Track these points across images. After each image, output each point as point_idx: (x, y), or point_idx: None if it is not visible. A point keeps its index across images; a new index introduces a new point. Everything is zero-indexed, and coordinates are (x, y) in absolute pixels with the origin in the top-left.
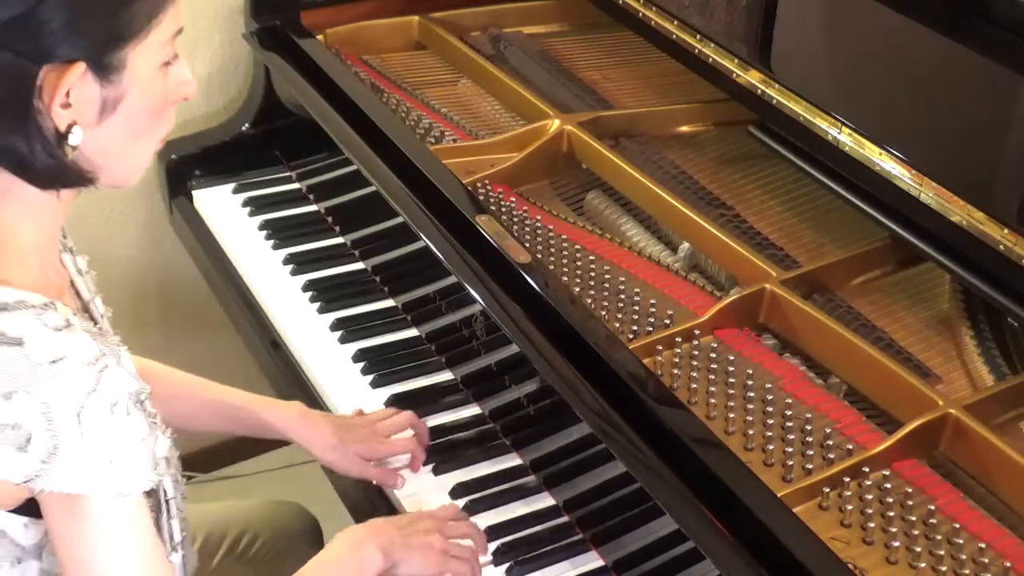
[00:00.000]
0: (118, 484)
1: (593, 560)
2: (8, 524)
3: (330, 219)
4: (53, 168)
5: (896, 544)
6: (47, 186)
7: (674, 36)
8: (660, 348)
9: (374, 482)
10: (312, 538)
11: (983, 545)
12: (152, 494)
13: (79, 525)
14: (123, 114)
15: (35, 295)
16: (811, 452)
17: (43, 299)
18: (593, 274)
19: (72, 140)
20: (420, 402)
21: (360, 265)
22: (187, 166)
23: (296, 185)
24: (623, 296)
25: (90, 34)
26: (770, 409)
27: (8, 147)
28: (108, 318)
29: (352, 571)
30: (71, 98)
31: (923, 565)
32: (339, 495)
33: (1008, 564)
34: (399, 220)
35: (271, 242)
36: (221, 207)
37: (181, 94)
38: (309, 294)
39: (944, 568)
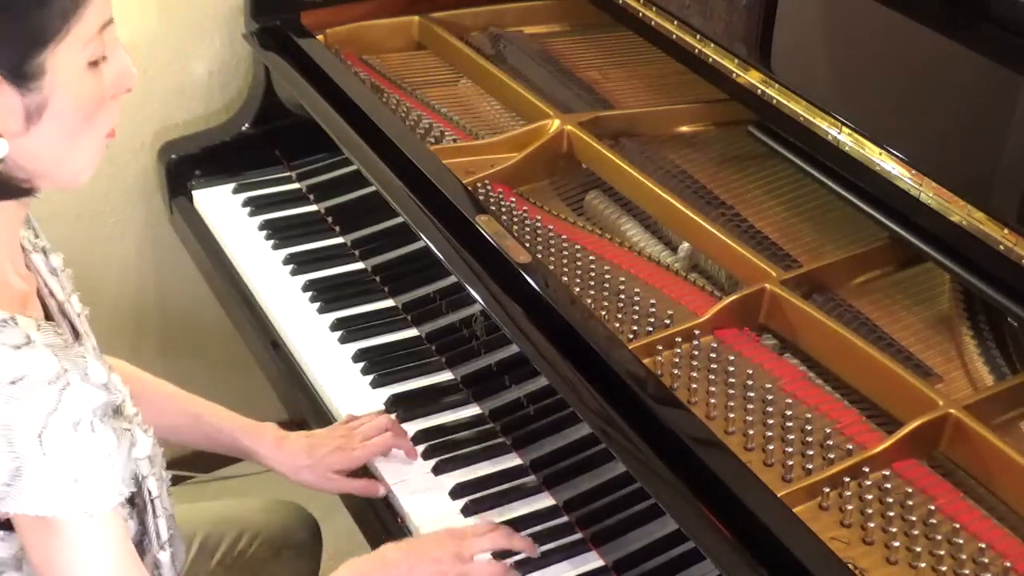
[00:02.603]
0: (84, 503)
1: (593, 560)
2: None
3: (330, 219)
4: None
5: (896, 544)
6: None
7: (674, 36)
8: (660, 348)
9: (357, 494)
10: (311, 538)
11: (983, 545)
12: (136, 496)
13: (50, 544)
14: (51, 120)
15: None
16: (811, 452)
17: (2, 314)
18: (593, 274)
19: None
20: (420, 402)
21: (360, 265)
22: (187, 166)
23: (296, 185)
24: (623, 296)
25: (1, 43)
26: (770, 409)
27: None
28: (86, 316)
29: None
30: None
31: (923, 565)
32: (339, 495)
33: (1008, 564)
34: (399, 220)
35: (271, 242)
36: (221, 207)
37: (122, 87)
38: (309, 294)
39: (944, 568)
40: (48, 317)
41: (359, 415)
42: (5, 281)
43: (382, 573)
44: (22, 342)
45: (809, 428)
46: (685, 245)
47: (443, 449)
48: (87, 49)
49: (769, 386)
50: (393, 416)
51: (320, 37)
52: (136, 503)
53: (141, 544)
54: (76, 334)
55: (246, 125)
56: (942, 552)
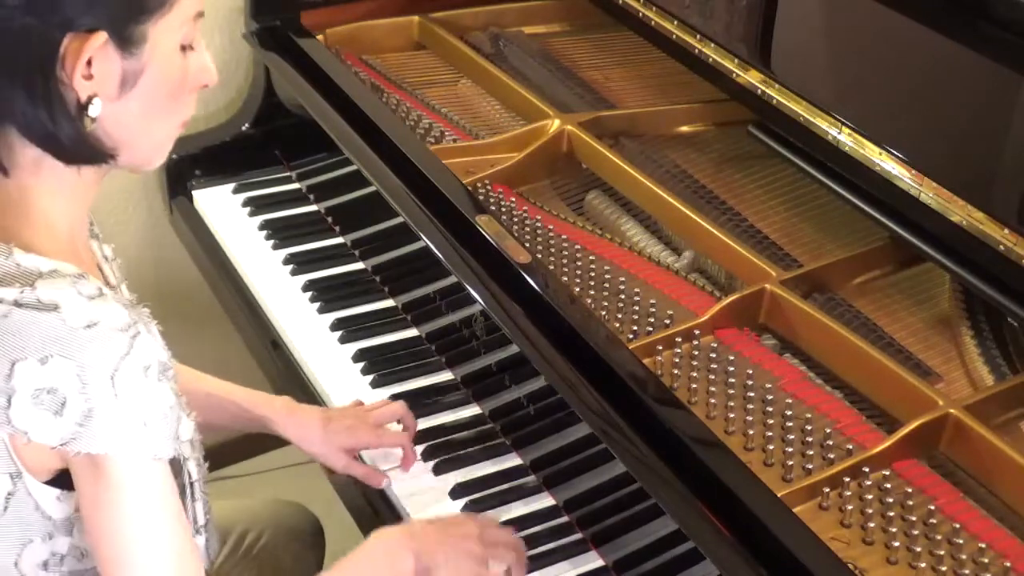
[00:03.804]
0: (152, 447)
1: (593, 560)
2: (41, 496)
3: (330, 219)
4: (75, 140)
5: (896, 544)
6: (70, 160)
7: (674, 36)
8: (660, 348)
9: (359, 479)
10: (313, 537)
11: (983, 545)
12: (177, 477)
13: (109, 491)
14: (142, 90)
15: (68, 265)
16: (811, 452)
17: (76, 269)
18: (593, 274)
19: (92, 112)
20: (420, 402)
21: (360, 265)
22: (187, 166)
23: (296, 185)
24: (623, 296)
25: (112, 5)
26: (770, 409)
27: (33, 118)
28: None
29: (383, 574)
30: (93, 69)
31: (923, 565)
32: (339, 495)
33: (1008, 564)
34: (399, 220)
35: (271, 242)
36: (221, 207)
37: (201, 81)
38: (309, 294)
39: (944, 568)
40: None
41: (368, 405)
42: (76, 249)
43: (410, 543)
44: (95, 294)
45: (809, 428)
46: (688, 253)
47: (443, 449)
48: (181, 31)
49: (769, 386)
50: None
51: (320, 37)
52: (176, 485)
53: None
54: None
55: (246, 125)
56: (942, 552)
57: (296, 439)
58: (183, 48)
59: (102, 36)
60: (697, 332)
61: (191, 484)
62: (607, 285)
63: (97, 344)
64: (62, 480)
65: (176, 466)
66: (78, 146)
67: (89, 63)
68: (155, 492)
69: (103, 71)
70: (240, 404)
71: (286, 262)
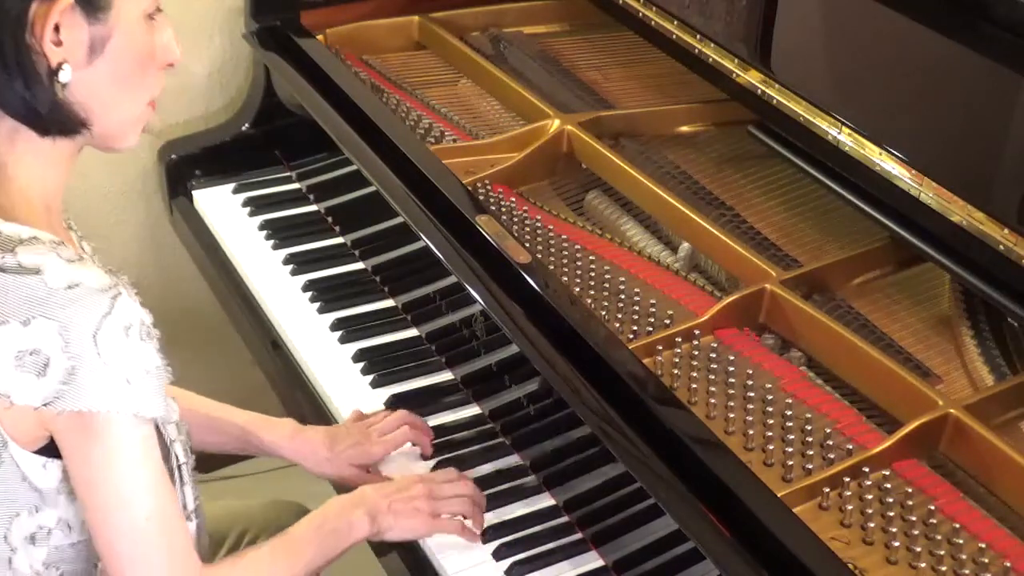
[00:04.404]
0: (135, 404)
1: (593, 560)
2: (28, 466)
3: (330, 219)
4: (49, 108)
5: (896, 544)
6: (45, 130)
7: (674, 36)
8: (660, 348)
9: None
10: None
11: (983, 545)
12: (166, 460)
13: (93, 448)
14: (111, 56)
15: (47, 233)
16: (811, 452)
17: (55, 237)
18: (593, 274)
19: (63, 77)
20: (420, 402)
21: (360, 265)
22: (187, 166)
23: (296, 185)
24: (623, 296)
25: None
26: (770, 409)
27: (7, 86)
28: None
29: (340, 534)
30: (61, 35)
31: (923, 565)
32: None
33: (1008, 564)
34: (399, 220)
35: (271, 242)
36: (221, 207)
37: (167, 58)
38: (309, 294)
39: (944, 568)
40: None
41: (368, 413)
42: (51, 223)
43: (362, 505)
44: (75, 258)
45: (809, 428)
46: (685, 245)
47: (443, 449)
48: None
49: (769, 386)
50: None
51: (320, 37)
52: (166, 469)
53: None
54: None
55: (246, 125)
56: (942, 552)
57: (301, 460)
58: (149, 17)
59: (68, 1)
60: (697, 332)
61: (179, 467)
62: (607, 285)
63: (79, 304)
64: (48, 451)
65: (164, 448)
66: (52, 114)
67: (57, 29)
68: (139, 450)
69: (71, 37)
70: (244, 428)
71: (286, 262)
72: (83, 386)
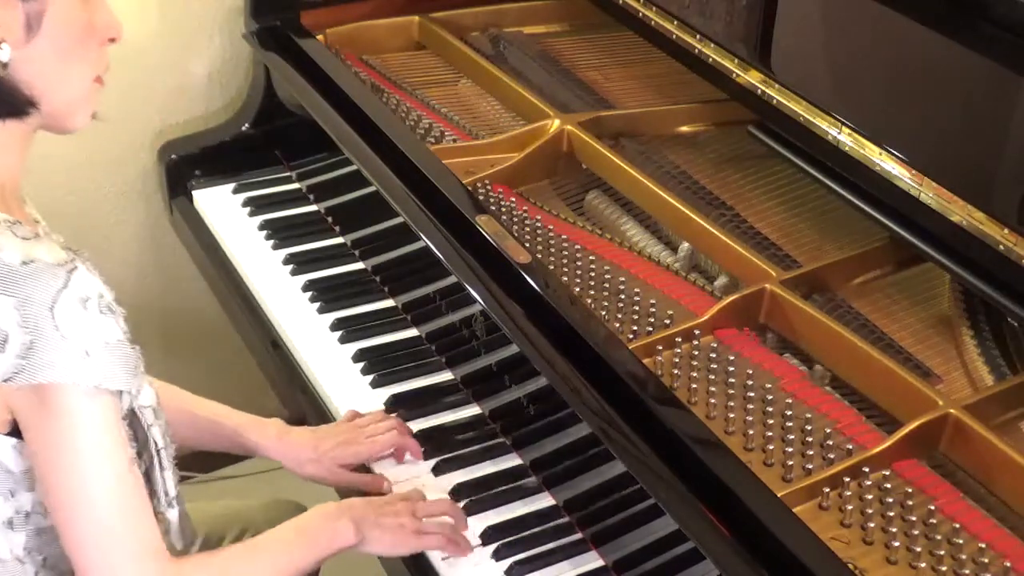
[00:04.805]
0: (95, 376)
1: (593, 560)
2: None
3: (330, 219)
4: None
5: (896, 544)
6: None
7: (674, 36)
8: (660, 348)
9: (361, 488)
10: None
11: (983, 545)
12: (143, 449)
13: (53, 421)
14: (49, 31)
15: (3, 214)
16: (811, 452)
17: (9, 217)
18: (593, 274)
19: (2, 56)
20: (420, 402)
21: (360, 265)
22: (187, 166)
23: (296, 185)
24: (623, 296)
25: None
26: (770, 409)
27: None
28: None
29: (324, 540)
30: None
31: (923, 565)
32: (338, 495)
33: (1008, 564)
34: (399, 220)
35: (271, 242)
36: (221, 207)
37: (108, 33)
38: (309, 294)
39: (944, 568)
40: None
41: (362, 413)
42: (9, 206)
43: (348, 513)
44: (31, 236)
45: (809, 428)
46: (685, 245)
47: (443, 449)
48: None
49: (769, 386)
50: (395, 415)
51: (320, 37)
52: (143, 456)
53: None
54: None
55: (246, 125)
56: (942, 552)
57: (287, 462)
58: None
59: None
60: (697, 332)
61: (158, 452)
62: (607, 285)
63: (35, 279)
64: (18, 432)
65: (141, 433)
66: None
67: None
68: (99, 425)
69: (6, 16)
70: (232, 428)
71: (286, 262)
72: (41, 359)
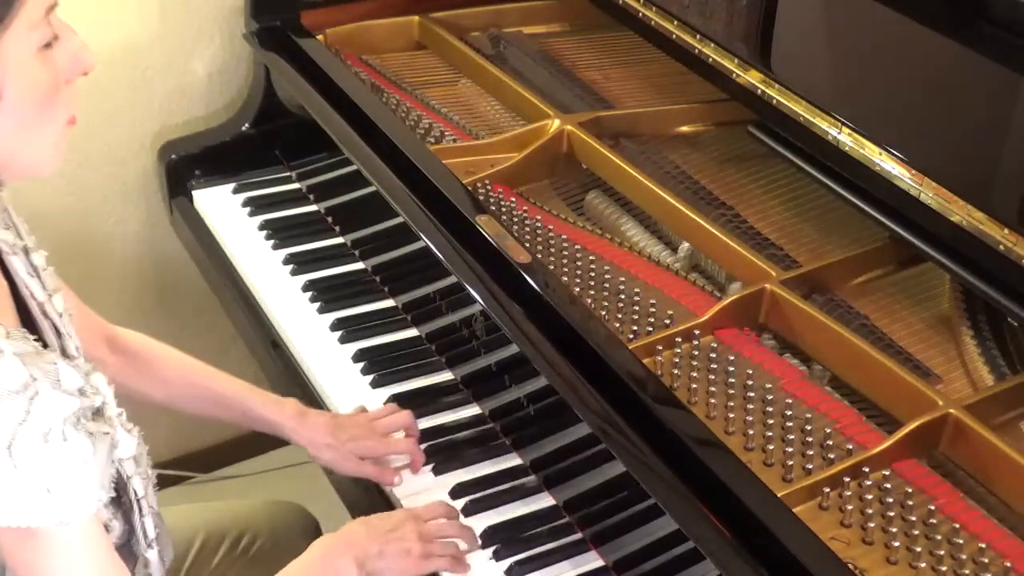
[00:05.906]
0: (59, 513)
1: (593, 560)
2: None
3: (330, 219)
4: None
5: (896, 544)
6: None
7: (674, 36)
8: (660, 348)
9: (371, 479)
10: (312, 538)
11: (983, 545)
12: (122, 496)
13: (29, 552)
14: (9, 104)
15: None
16: (811, 452)
17: None
18: (593, 274)
19: None
20: (420, 402)
21: (360, 265)
22: (187, 166)
23: (296, 185)
24: (623, 296)
25: None
26: (770, 409)
27: None
28: (69, 315)
29: None
30: None
31: (923, 565)
32: (339, 495)
33: (1008, 564)
34: (399, 220)
35: (271, 242)
36: (221, 207)
37: (78, 70)
38: (309, 294)
39: (944, 568)
40: (28, 319)
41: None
42: None
43: (350, 550)
44: None
45: (809, 428)
46: (685, 245)
47: (443, 449)
48: (33, 35)
49: (769, 386)
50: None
51: (320, 37)
52: (122, 503)
53: (129, 544)
54: (58, 334)
55: (246, 125)
56: (942, 552)
57: (304, 442)
58: (46, 46)
59: None
60: (697, 332)
61: (137, 501)
62: (607, 285)
63: None
64: None
65: (121, 483)
66: None
67: None
68: (76, 551)
69: None
70: (250, 405)
71: (286, 262)
72: (2, 500)
